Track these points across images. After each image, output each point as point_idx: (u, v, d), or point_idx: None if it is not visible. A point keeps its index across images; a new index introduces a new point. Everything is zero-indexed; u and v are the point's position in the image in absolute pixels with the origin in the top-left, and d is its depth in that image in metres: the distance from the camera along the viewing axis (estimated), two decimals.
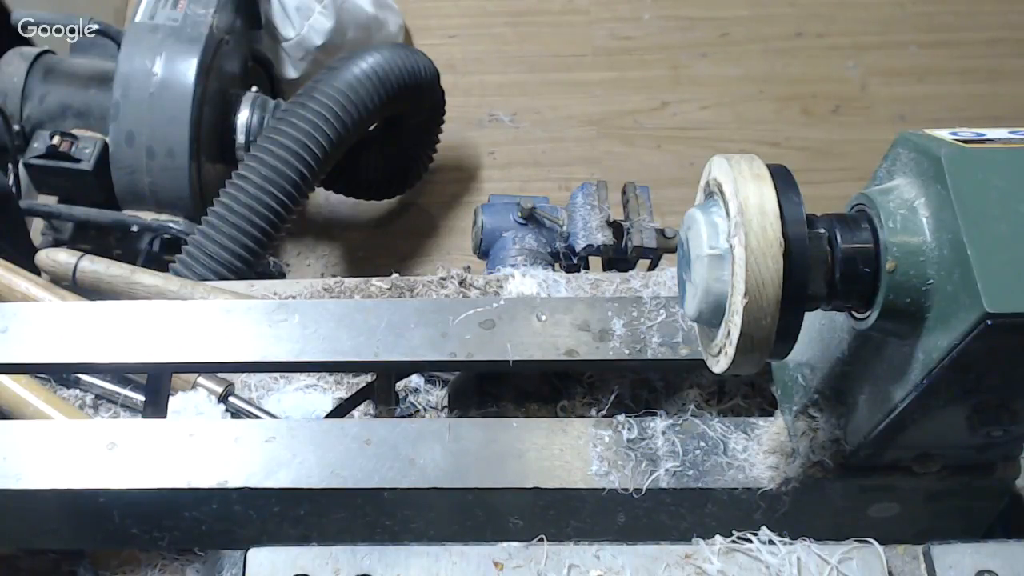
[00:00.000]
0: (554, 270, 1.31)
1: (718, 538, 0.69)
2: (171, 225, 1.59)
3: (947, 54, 2.36)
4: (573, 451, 0.77)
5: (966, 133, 0.65)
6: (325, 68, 1.66)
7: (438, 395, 1.00)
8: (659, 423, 0.78)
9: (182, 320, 0.85)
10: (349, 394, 0.98)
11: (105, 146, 1.60)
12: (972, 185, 0.60)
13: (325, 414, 0.97)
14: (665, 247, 1.40)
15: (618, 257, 1.41)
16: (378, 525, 0.77)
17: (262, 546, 0.68)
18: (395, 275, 1.07)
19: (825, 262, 0.63)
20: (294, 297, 1.05)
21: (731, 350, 0.61)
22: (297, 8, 1.98)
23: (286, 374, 1.01)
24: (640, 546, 0.68)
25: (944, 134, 0.65)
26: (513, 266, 1.29)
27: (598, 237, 1.40)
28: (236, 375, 1.00)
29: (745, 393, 0.90)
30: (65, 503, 0.77)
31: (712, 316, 0.63)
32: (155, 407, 0.87)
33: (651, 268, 1.40)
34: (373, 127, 1.76)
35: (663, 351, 0.83)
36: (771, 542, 0.68)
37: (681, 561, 0.67)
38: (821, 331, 0.73)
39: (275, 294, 1.07)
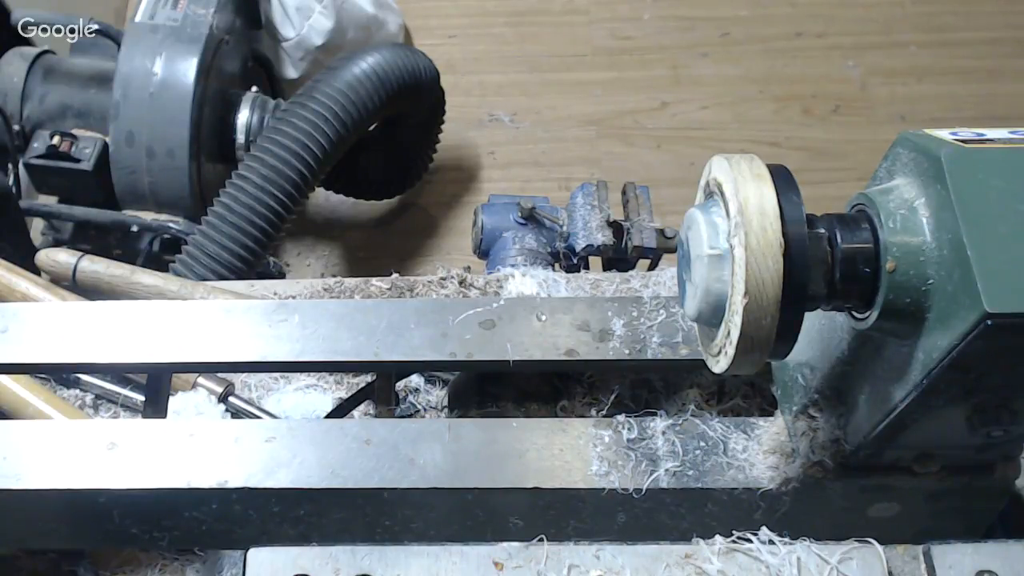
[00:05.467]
0: (554, 270, 1.31)
1: (718, 538, 0.69)
2: (171, 225, 1.59)
3: (947, 54, 2.36)
4: (573, 451, 0.77)
5: (966, 133, 0.65)
6: (325, 68, 1.66)
7: (438, 395, 1.00)
8: (659, 423, 0.78)
9: (182, 320, 0.85)
10: (349, 394, 0.98)
11: (105, 146, 1.59)
12: (972, 185, 0.60)
13: (325, 414, 0.97)
14: (665, 247, 1.40)
15: (618, 257, 1.41)
16: (378, 525, 0.77)
17: (262, 546, 0.68)
18: (395, 275, 1.07)
19: (825, 262, 0.63)
20: (294, 297, 1.05)
21: (731, 350, 0.61)
22: (297, 8, 1.98)
23: (286, 374, 1.01)
24: (640, 546, 0.68)
25: (944, 134, 0.65)
26: (513, 266, 1.29)
27: (598, 237, 1.40)
28: (236, 375, 1.00)
29: (745, 393, 0.90)
30: (65, 503, 0.77)
31: (712, 316, 0.63)
32: (155, 407, 0.87)
33: (651, 268, 1.40)
34: (373, 127, 1.76)
35: (663, 351, 0.83)
36: (771, 542, 0.68)
37: (681, 561, 0.67)
38: (821, 331, 0.73)
39: (275, 294, 1.07)
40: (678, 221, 0.71)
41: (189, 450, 0.77)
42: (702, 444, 0.77)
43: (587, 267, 1.44)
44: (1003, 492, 0.76)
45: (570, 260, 1.44)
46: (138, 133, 1.57)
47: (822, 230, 0.64)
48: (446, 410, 0.97)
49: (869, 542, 0.67)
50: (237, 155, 1.70)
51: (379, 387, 0.90)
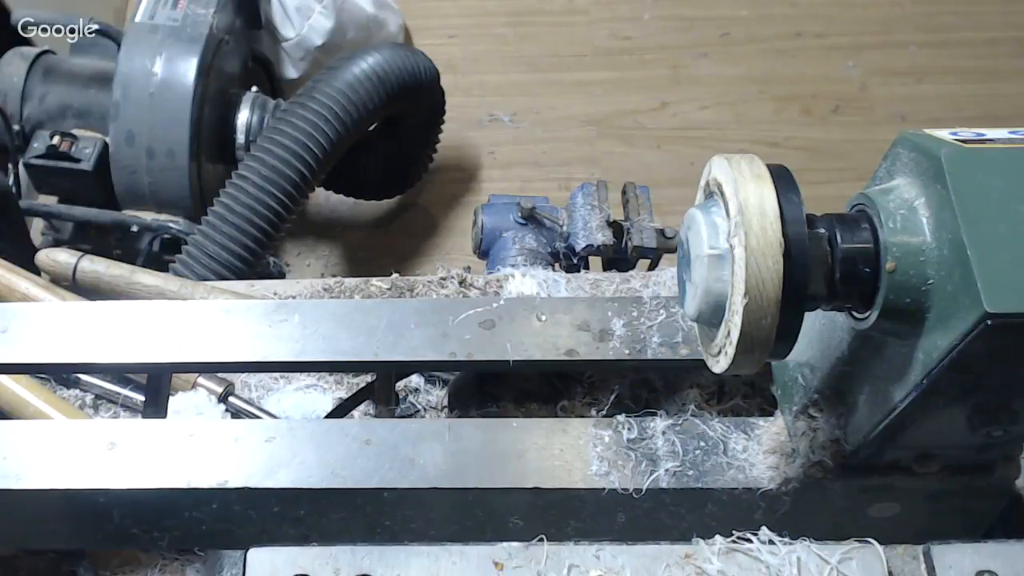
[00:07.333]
0: (554, 270, 1.31)
1: (718, 538, 0.69)
2: (171, 225, 1.59)
3: (947, 54, 2.36)
4: (573, 451, 0.77)
5: (966, 133, 0.65)
6: (325, 68, 1.66)
7: (438, 395, 1.00)
8: (659, 423, 0.78)
9: (182, 320, 0.85)
10: (349, 394, 0.98)
11: (105, 146, 1.59)
12: (972, 185, 0.60)
13: (325, 414, 0.97)
14: (665, 247, 1.40)
15: (618, 257, 1.41)
16: (378, 525, 0.77)
17: (262, 546, 0.68)
18: (395, 275, 1.07)
19: (825, 262, 0.63)
20: (294, 297, 1.05)
21: (731, 350, 0.61)
22: (297, 8, 1.98)
23: (286, 374, 1.01)
24: (640, 546, 0.68)
25: (944, 134, 0.65)
26: (513, 266, 1.29)
27: (598, 237, 1.40)
28: (236, 375, 1.00)
29: (745, 393, 0.90)
30: (65, 503, 0.77)
31: (712, 316, 0.63)
32: (155, 407, 0.87)
33: (651, 268, 1.40)
34: (373, 127, 1.76)
35: (663, 351, 0.83)
36: (771, 542, 0.68)
37: (681, 561, 0.67)
38: (821, 331, 0.73)
39: (275, 294, 1.07)
40: (678, 221, 0.71)
41: (189, 450, 0.77)
42: (702, 444, 0.77)
43: (587, 267, 1.44)
44: (1003, 492, 0.76)
45: (570, 260, 1.44)
46: (138, 133, 1.57)
47: (822, 230, 0.64)
48: (446, 410, 0.97)
49: (869, 542, 0.67)
50: (237, 155, 1.70)
51: (379, 387, 0.90)
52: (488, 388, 0.90)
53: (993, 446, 0.70)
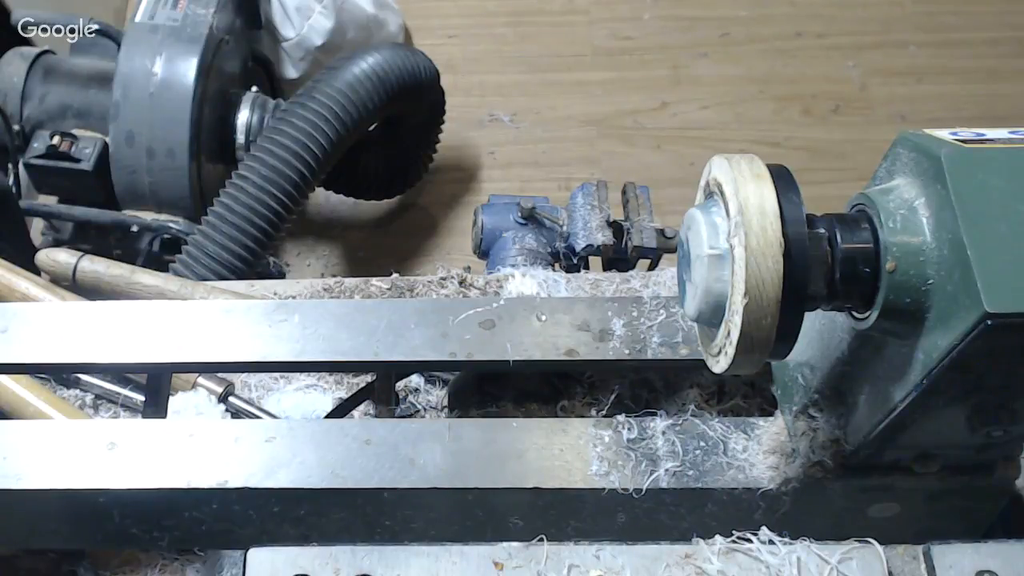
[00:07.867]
0: (554, 270, 1.31)
1: (718, 538, 0.69)
2: (171, 225, 1.59)
3: (947, 54, 2.36)
4: (573, 451, 0.77)
5: (966, 133, 0.65)
6: (325, 68, 1.66)
7: (438, 395, 1.00)
8: (659, 423, 0.78)
9: (182, 320, 0.85)
10: (349, 394, 0.98)
11: (105, 146, 1.59)
12: (972, 185, 0.60)
13: (325, 414, 0.97)
14: (665, 247, 1.40)
15: (618, 257, 1.41)
16: (378, 525, 0.77)
17: (262, 546, 0.68)
18: (395, 275, 1.07)
19: (825, 262, 0.63)
20: (294, 297, 1.05)
21: (731, 350, 0.61)
22: (297, 8, 1.98)
23: (286, 374, 1.01)
24: (640, 546, 0.68)
25: (944, 134, 0.65)
26: (513, 266, 1.29)
27: (598, 237, 1.40)
28: (236, 375, 1.00)
29: (745, 393, 0.90)
30: (65, 503, 0.77)
31: (712, 316, 0.63)
32: (155, 407, 0.87)
33: (651, 268, 1.40)
34: (373, 127, 1.76)
35: (663, 351, 0.83)
36: (771, 542, 0.68)
37: (681, 561, 0.67)
38: (821, 331, 0.73)
39: (275, 294, 1.07)
40: (678, 221, 0.71)
41: (189, 450, 0.77)
42: (702, 444, 0.77)
43: (587, 267, 1.44)
44: (1003, 492, 0.76)
45: (570, 260, 1.44)
46: (138, 133, 1.57)
47: (822, 230, 0.64)
48: (446, 410, 0.97)
49: (869, 542, 0.67)
50: (237, 155, 1.70)
51: (379, 387, 0.90)
52: (488, 388, 0.90)
53: (993, 446, 0.70)
